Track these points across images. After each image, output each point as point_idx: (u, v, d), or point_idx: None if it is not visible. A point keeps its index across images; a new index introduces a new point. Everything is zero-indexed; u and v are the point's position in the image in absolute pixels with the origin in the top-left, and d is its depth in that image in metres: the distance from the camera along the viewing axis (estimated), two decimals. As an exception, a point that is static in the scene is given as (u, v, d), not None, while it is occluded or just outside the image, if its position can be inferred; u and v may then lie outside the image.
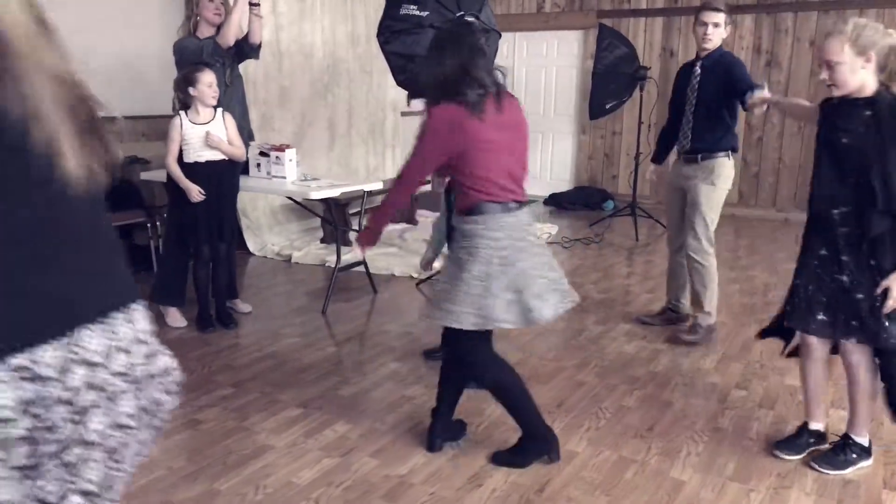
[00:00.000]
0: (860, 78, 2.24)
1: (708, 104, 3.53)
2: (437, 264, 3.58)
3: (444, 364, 2.58)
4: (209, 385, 3.09)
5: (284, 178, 4.23)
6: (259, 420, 2.79)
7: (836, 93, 2.31)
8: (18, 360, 0.92)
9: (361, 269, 4.60)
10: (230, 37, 3.89)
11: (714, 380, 3.23)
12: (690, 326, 3.72)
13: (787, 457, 2.51)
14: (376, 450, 2.57)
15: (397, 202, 2.47)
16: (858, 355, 2.36)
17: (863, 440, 2.47)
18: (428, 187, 7.77)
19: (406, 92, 4.33)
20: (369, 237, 2.51)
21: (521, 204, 2.36)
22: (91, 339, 1.00)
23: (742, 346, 3.65)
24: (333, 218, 4.47)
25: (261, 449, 2.57)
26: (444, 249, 3.36)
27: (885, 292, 2.21)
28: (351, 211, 5.74)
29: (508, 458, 2.47)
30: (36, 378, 0.94)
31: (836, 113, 2.35)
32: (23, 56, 0.95)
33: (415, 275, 4.89)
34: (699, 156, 3.55)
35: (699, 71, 3.58)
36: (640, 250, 5.88)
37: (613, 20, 7.39)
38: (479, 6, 4.10)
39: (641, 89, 6.26)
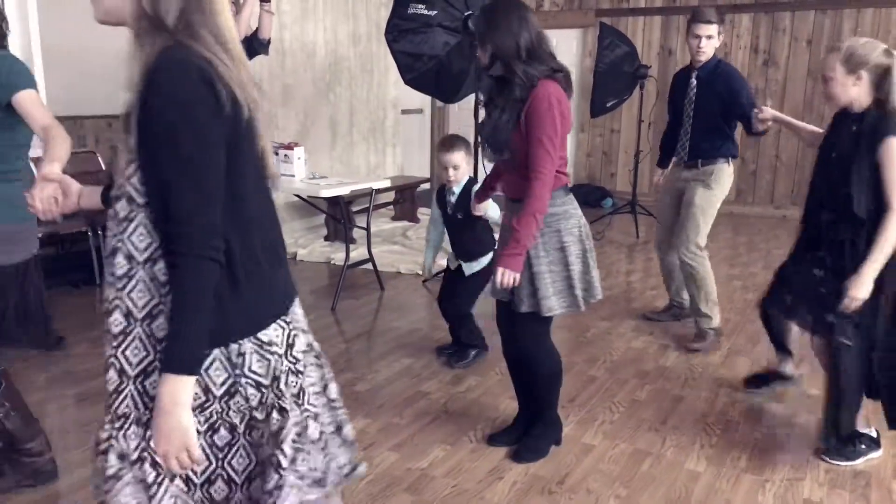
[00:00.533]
0: (851, 94, 2.35)
1: (706, 117, 3.52)
2: (441, 261, 3.62)
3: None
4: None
5: (293, 176, 4.26)
6: (278, 416, 2.82)
7: (830, 106, 2.47)
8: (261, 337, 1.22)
9: (367, 266, 4.63)
10: (241, 31, 3.91)
11: (722, 374, 3.28)
12: (696, 334, 3.62)
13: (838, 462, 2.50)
14: (396, 444, 2.61)
15: (544, 205, 2.18)
16: (819, 347, 2.51)
17: (869, 431, 2.53)
18: (426, 185, 7.80)
19: (413, 90, 4.37)
20: (518, 259, 2.20)
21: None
22: (296, 311, 1.33)
23: (748, 340, 3.71)
24: (343, 215, 4.49)
25: (282, 444, 2.60)
26: (445, 246, 3.41)
27: (844, 291, 2.30)
28: (355, 209, 5.78)
29: (529, 452, 2.51)
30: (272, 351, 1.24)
31: (832, 127, 2.51)
32: (240, 63, 1.16)
33: (420, 272, 4.93)
34: (699, 161, 3.56)
35: (695, 83, 3.56)
36: (640, 248, 5.94)
37: (612, 19, 7.45)
38: (486, 5, 4.14)
39: (642, 88, 6.32)
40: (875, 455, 2.52)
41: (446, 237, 3.39)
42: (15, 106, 2.10)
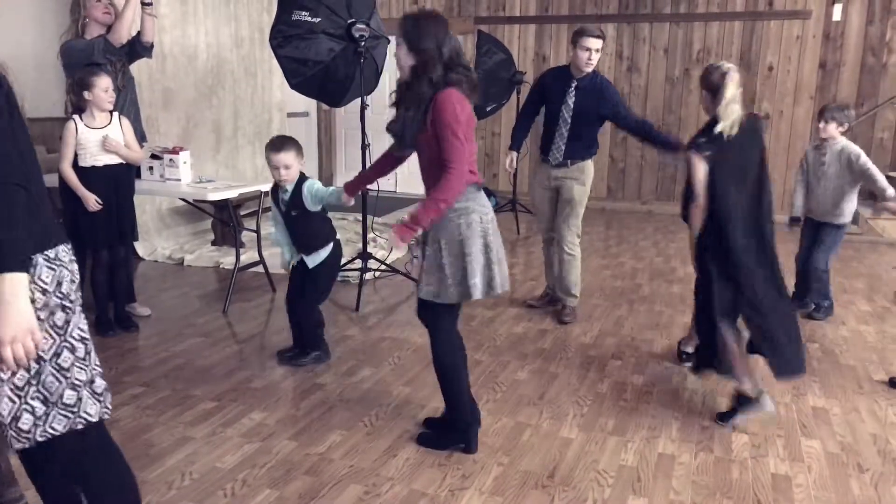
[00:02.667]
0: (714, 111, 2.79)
1: (583, 124, 3.85)
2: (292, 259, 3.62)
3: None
4: (118, 386, 3.12)
5: (179, 180, 4.26)
6: (175, 415, 2.88)
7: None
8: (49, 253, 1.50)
9: (258, 269, 4.69)
10: (123, 34, 3.90)
11: (593, 353, 3.63)
12: (567, 311, 4.11)
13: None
14: (294, 433, 2.74)
15: (452, 196, 2.36)
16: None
17: (748, 392, 2.81)
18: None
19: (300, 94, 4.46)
20: (409, 233, 2.37)
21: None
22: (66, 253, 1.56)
23: (615, 322, 4.10)
24: (232, 219, 4.52)
25: (181, 440, 2.67)
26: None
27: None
28: (242, 212, 5.78)
29: (428, 440, 2.67)
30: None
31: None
32: None
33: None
34: (568, 161, 3.92)
35: (574, 93, 3.84)
36: (521, 243, 6.31)
37: (490, 26, 7.82)
38: (368, 13, 4.33)
39: (518, 93, 6.70)
40: (755, 415, 2.81)
41: None
42: None
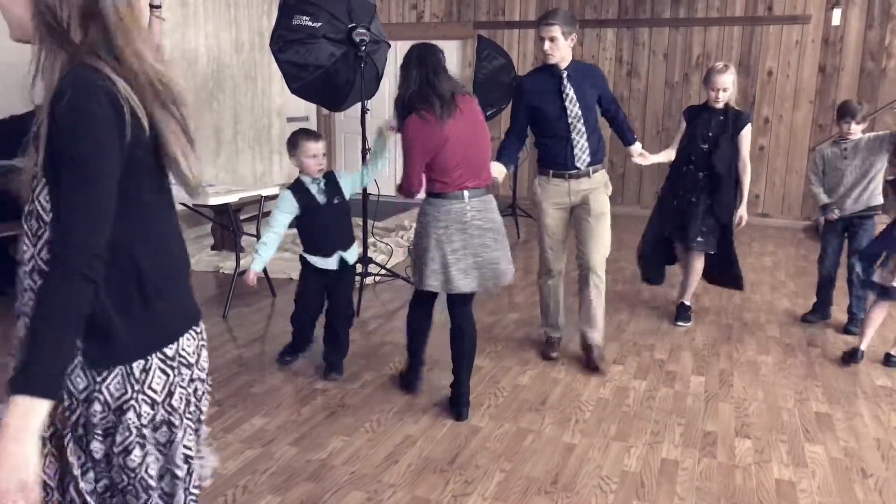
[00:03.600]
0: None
1: (591, 115, 3.38)
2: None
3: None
4: (118, 391, 3.10)
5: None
6: (175, 420, 2.86)
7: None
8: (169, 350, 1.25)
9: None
10: None
11: (595, 358, 3.61)
12: (596, 351, 3.47)
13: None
14: (296, 438, 2.73)
15: (406, 193, 2.86)
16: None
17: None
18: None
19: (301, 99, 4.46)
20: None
21: (479, 190, 2.82)
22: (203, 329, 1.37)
23: (616, 327, 4.08)
24: (232, 223, 4.51)
25: (181, 446, 2.65)
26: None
27: None
28: (242, 217, 5.76)
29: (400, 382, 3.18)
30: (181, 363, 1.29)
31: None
32: (148, 78, 1.23)
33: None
34: (591, 169, 3.40)
35: (568, 82, 3.33)
36: (521, 247, 6.30)
37: (489, 31, 7.82)
38: (369, 18, 4.32)
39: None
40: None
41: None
42: None
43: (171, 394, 1.25)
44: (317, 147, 3.16)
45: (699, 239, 3.92)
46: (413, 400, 3.07)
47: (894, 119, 6.93)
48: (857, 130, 3.86)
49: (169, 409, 1.25)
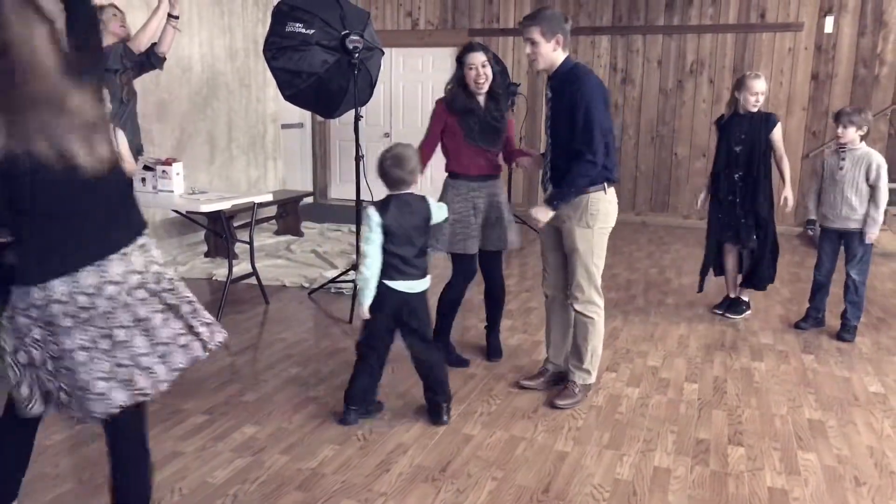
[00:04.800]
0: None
1: (560, 129, 2.97)
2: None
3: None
4: (108, 399, 3.08)
5: (172, 191, 4.23)
6: (164, 429, 2.84)
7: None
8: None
9: (251, 281, 4.66)
10: (144, 42, 4.12)
11: (588, 365, 3.60)
12: (564, 388, 3.15)
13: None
14: (286, 447, 2.71)
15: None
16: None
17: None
18: (309, 199, 7.84)
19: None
20: None
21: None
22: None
23: (610, 334, 4.07)
24: (225, 230, 4.50)
25: (171, 455, 2.63)
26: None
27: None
28: (236, 224, 5.75)
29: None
30: None
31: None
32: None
33: (306, 284, 5.01)
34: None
35: (549, 92, 3.04)
36: (515, 254, 6.29)
37: (484, 38, 7.83)
38: (363, 26, 4.32)
39: (513, 105, 6.70)
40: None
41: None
42: None
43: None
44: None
45: (753, 236, 4.28)
46: (405, 408, 3.06)
47: (888, 126, 6.95)
48: (849, 135, 3.88)
49: None
